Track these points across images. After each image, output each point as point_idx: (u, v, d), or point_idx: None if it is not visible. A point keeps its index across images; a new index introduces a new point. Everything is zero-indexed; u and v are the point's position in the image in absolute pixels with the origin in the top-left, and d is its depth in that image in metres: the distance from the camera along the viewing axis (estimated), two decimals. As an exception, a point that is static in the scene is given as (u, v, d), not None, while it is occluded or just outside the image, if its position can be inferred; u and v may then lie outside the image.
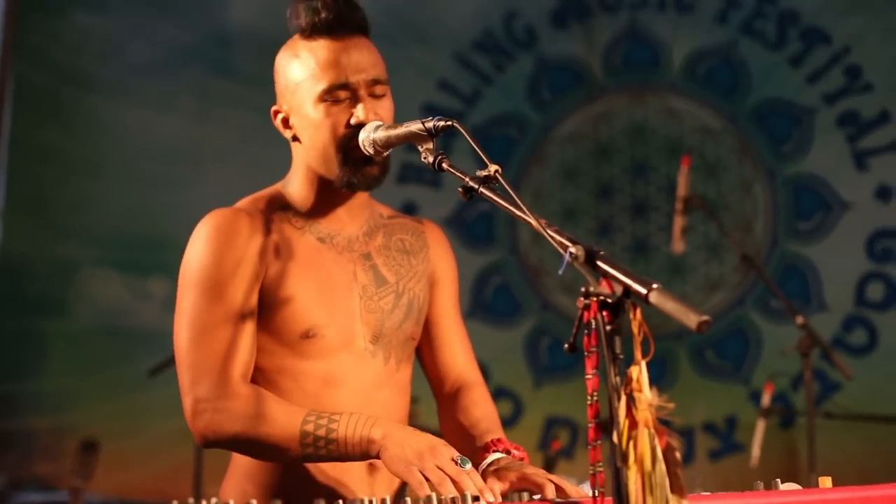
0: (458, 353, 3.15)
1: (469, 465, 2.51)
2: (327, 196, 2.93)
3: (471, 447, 2.87)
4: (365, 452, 2.60)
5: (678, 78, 7.96)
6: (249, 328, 2.80)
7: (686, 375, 7.47)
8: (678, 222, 5.15)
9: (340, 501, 2.05)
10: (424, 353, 3.17)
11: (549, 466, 6.38)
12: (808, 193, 7.71)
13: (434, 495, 2.12)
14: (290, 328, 2.84)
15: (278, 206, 2.94)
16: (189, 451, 6.68)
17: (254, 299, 2.81)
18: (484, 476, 2.66)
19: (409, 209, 7.26)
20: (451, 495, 2.32)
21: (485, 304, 7.71)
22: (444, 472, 2.48)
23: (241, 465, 2.94)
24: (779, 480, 2.46)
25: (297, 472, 2.83)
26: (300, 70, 2.88)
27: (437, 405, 3.17)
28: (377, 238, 3.02)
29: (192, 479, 6.60)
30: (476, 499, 2.19)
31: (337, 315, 2.89)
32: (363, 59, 2.86)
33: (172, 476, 7.48)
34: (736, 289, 7.57)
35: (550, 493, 2.48)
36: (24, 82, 8.54)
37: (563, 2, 8.17)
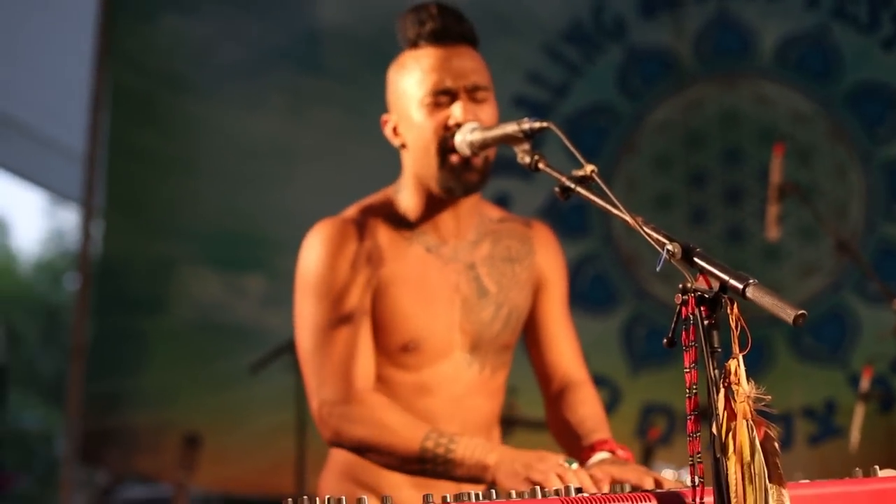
0: (565, 353, 3.19)
1: (575, 465, 2.54)
2: (434, 205, 2.98)
3: (577, 444, 2.91)
4: (478, 476, 2.66)
5: (769, 64, 7.89)
6: (367, 335, 2.88)
7: (784, 360, 7.41)
8: (772, 209, 5.13)
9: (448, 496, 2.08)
10: (532, 353, 3.22)
11: (648, 454, 6.39)
12: (904, 177, 7.63)
13: (538, 488, 2.16)
14: (391, 339, 2.91)
15: (387, 215, 3.00)
16: (290, 446, 6.76)
17: (367, 308, 2.88)
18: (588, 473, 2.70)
19: (501, 201, 7.27)
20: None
21: (580, 293, 7.70)
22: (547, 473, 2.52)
23: (338, 462, 3.02)
24: (877, 467, 2.47)
25: (391, 472, 2.90)
26: (407, 77, 2.96)
27: (544, 403, 3.21)
28: (483, 247, 3.06)
29: (293, 474, 6.68)
30: (579, 490, 2.23)
31: (437, 327, 2.95)
32: (465, 66, 2.92)
33: (274, 470, 7.57)
34: (832, 273, 7.51)
35: (649, 486, 2.50)
36: (120, 86, 8.68)
37: (652, -9, 8.15)
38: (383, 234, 2.95)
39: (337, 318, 2.85)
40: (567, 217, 7.60)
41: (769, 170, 5.21)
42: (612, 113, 7.99)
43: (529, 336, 3.20)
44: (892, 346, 4.73)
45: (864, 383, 5.30)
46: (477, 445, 2.66)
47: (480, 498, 2.09)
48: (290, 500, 1.95)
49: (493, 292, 3.04)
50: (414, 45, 2.97)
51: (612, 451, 2.80)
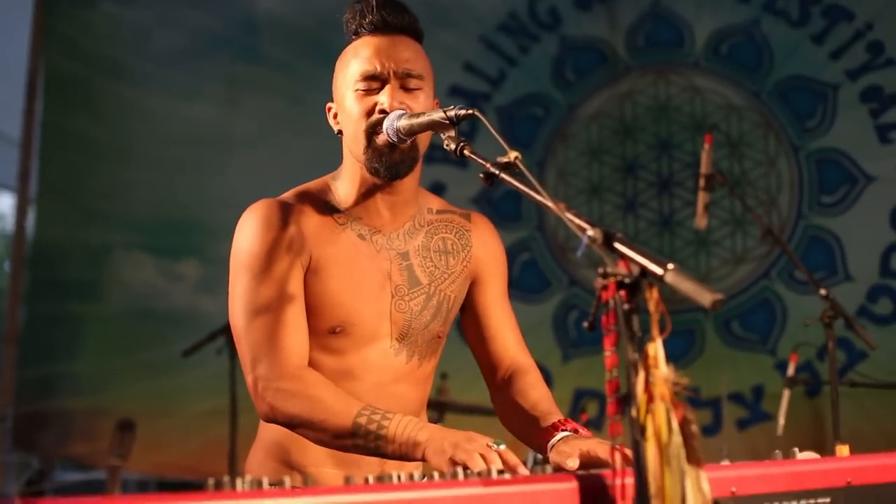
0: (509, 343, 3.21)
1: (503, 446, 2.56)
2: (371, 192, 3.00)
3: (530, 427, 2.95)
4: (409, 453, 2.68)
5: (701, 56, 7.97)
6: (301, 310, 2.91)
7: (713, 347, 7.51)
8: (701, 198, 5.17)
9: (395, 474, 2.11)
10: (475, 344, 3.24)
11: (577, 439, 6.45)
12: (831, 167, 7.70)
13: (459, 469, 2.19)
14: (320, 323, 2.93)
15: (322, 200, 3.03)
16: (223, 430, 6.76)
17: (299, 286, 2.90)
18: (551, 451, 2.76)
19: (436, 189, 7.28)
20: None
21: (513, 280, 7.68)
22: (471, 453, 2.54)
23: (264, 443, 3.06)
24: (797, 449, 2.53)
25: (316, 452, 2.94)
26: (344, 64, 3.00)
27: (490, 393, 3.23)
28: (418, 237, 3.09)
29: (226, 457, 6.68)
30: (501, 471, 2.26)
31: (366, 313, 2.97)
32: (401, 53, 2.95)
33: (207, 454, 7.57)
34: (761, 261, 7.60)
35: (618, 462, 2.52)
36: (55, 71, 8.63)
37: (587, -17, 8.20)
38: (316, 218, 2.97)
39: (269, 295, 2.86)
40: (500, 205, 7.66)
41: (700, 160, 5.26)
42: (546, 103, 8.04)
43: (471, 329, 3.22)
44: (819, 332, 4.80)
45: (791, 369, 5.37)
46: (409, 422, 2.69)
47: (402, 480, 2.11)
48: (211, 480, 1.96)
49: (424, 283, 3.06)
50: (355, 34, 3.01)
51: (575, 430, 2.83)
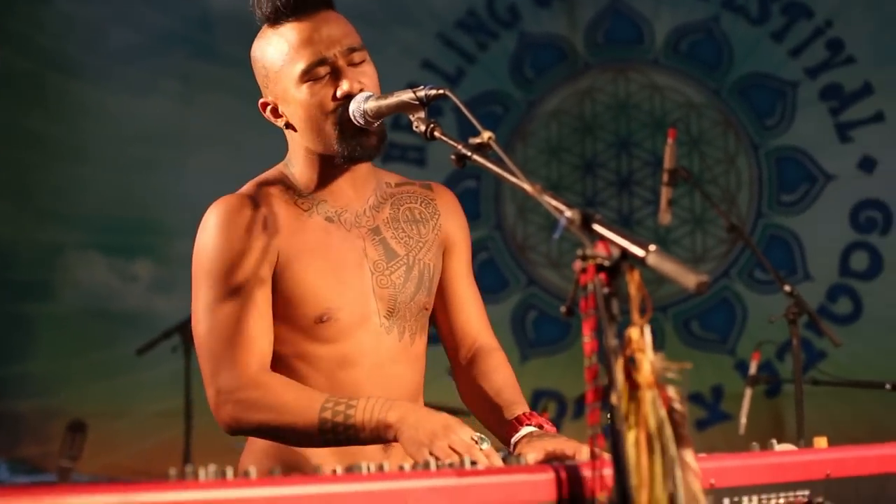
0: (473, 317, 3.14)
1: (487, 445, 2.52)
2: (330, 174, 2.93)
3: (493, 415, 2.91)
4: (381, 437, 2.63)
5: (661, 54, 7.99)
6: (265, 314, 2.83)
7: (672, 346, 7.49)
8: (665, 194, 5.14)
9: (366, 465, 2.05)
10: (440, 317, 3.16)
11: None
12: (791, 165, 7.76)
13: (432, 459, 2.14)
14: (304, 314, 2.86)
15: (283, 189, 2.94)
16: (177, 431, 6.72)
17: (267, 286, 2.83)
18: (517, 448, 2.71)
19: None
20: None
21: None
22: (454, 450, 2.50)
23: (259, 442, 2.97)
24: (774, 441, 2.50)
25: (316, 449, 2.86)
26: (276, 57, 2.88)
27: (453, 370, 3.18)
28: (384, 210, 3.02)
29: (181, 459, 6.64)
30: (474, 462, 2.21)
31: (350, 295, 2.90)
32: (334, 31, 2.85)
33: (161, 455, 7.51)
34: (721, 260, 7.62)
35: (585, 457, 2.45)
36: (8, 68, 8.54)
37: (545, -21, 8.19)
38: (280, 206, 2.89)
39: (229, 300, 2.78)
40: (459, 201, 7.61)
41: (662, 157, 5.24)
42: (505, 100, 8.02)
43: (436, 301, 3.13)
44: (778, 331, 4.80)
45: (753, 367, 5.37)
46: (375, 404, 2.63)
47: (371, 470, 2.04)
48: (172, 470, 1.90)
49: (401, 254, 2.99)
50: (275, 22, 2.89)
51: (540, 426, 2.78)
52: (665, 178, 5.14)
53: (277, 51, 2.87)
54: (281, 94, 2.90)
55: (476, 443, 2.51)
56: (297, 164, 2.97)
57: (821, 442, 2.55)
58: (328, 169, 2.92)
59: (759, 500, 2.33)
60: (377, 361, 2.92)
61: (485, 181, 7.88)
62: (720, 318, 7.58)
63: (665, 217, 5.14)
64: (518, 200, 7.76)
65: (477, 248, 7.80)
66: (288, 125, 2.94)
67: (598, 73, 8.01)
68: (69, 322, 8.46)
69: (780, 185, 7.72)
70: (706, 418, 7.42)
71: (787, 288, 4.78)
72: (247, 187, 2.96)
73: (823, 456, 2.47)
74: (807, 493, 2.38)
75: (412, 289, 2.98)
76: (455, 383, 3.17)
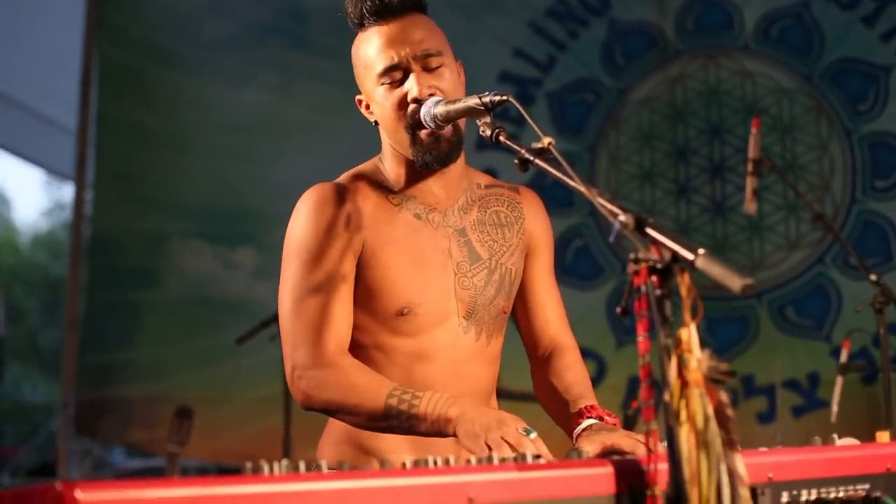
0: (552, 319, 3.21)
1: (534, 435, 2.57)
2: (418, 173, 3.00)
3: (565, 411, 2.95)
4: (442, 430, 2.69)
5: (751, 40, 7.92)
6: (346, 298, 2.91)
7: (767, 333, 7.44)
8: (749, 183, 5.14)
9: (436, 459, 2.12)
10: (520, 317, 3.24)
11: (630, 424, 6.44)
12: (885, 151, 7.64)
13: (495, 455, 2.20)
14: (386, 306, 2.94)
15: (376, 182, 3.03)
16: (279, 417, 6.82)
17: (350, 271, 2.91)
18: (577, 441, 2.76)
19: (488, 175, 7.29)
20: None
21: (566, 266, 7.70)
22: (506, 440, 2.56)
23: (337, 428, 3.06)
24: (836, 435, 2.52)
25: (390, 437, 2.93)
26: (363, 58, 2.98)
27: (531, 369, 3.23)
28: (472, 213, 3.09)
29: (281, 444, 6.74)
30: (537, 456, 2.27)
31: (431, 292, 2.97)
32: (411, 35, 2.93)
33: (263, 440, 7.64)
34: (815, 247, 7.52)
35: (642, 452, 2.50)
36: (109, 61, 8.71)
37: (636, -33, 8.16)
38: (371, 199, 2.98)
39: (315, 282, 2.87)
40: (553, 190, 7.55)
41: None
42: (596, 88, 8.00)
43: (517, 301, 3.21)
44: (873, 319, 4.76)
45: (844, 356, 5.34)
46: (439, 399, 2.70)
47: (439, 464, 2.12)
48: (248, 464, 1.98)
49: (484, 257, 3.06)
50: (361, 25, 2.99)
51: (601, 418, 2.83)
52: (750, 167, 5.13)
53: (364, 52, 2.98)
54: (368, 93, 3.01)
55: (523, 434, 2.57)
56: (388, 160, 3.06)
57: (883, 437, 2.57)
58: (415, 168, 3.00)
59: (819, 494, 2.36)
60: (452, 359, 2.99)
61: (579, 169, 7.86)
62: (815, 304, 7.48)
63: (750, 207, 5.13)
64: (611, 187, 7.73)
65: (571, 235, 7.87)
66: (377, 122, 3.03)
67: (689, 59, 7.96)
68: (174, 309, 8.62)
69: (874, 171, 7.62)
70: (802, 405, 7.34)
71: (873, 277, 4.75)
72: (341, 178, 3.05)
73: (884, 451, 2.48)
74: (867, 486, 2.40)
75: (492, 292, 3.05)
76: (532, 380, 3.23)
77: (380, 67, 2.93)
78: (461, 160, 3.05)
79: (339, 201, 2.95)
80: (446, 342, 3.00)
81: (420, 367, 2.95)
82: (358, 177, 3.05)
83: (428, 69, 2.93)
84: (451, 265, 3.02)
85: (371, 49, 2.96)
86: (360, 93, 3.05)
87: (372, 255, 2.95)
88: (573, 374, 3.09)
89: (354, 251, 2.93)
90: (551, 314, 3.23)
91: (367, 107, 3.04)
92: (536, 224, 3.22)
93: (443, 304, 3.00)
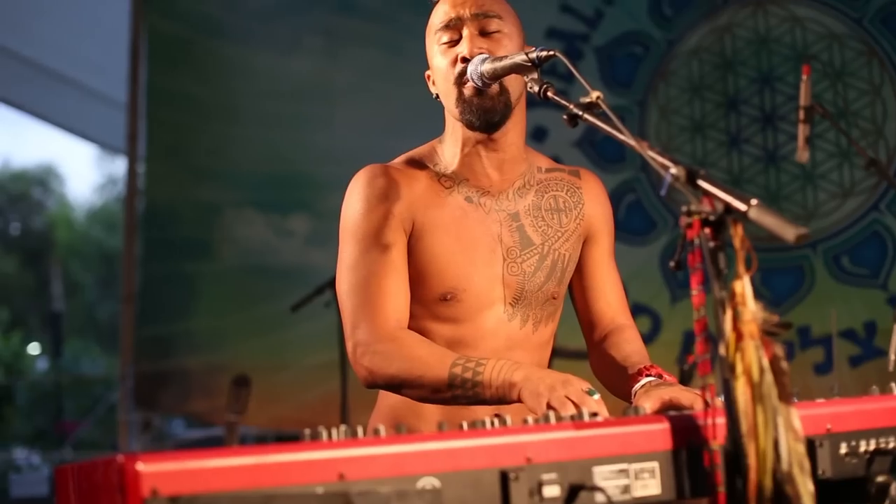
0: (611, 302, 3.19)
1: (597, 396, 2.57)
2: (476, 152, 3.00)
3: (622, 377, 2.94)
4: (506, 395, 2.68)
5: (799, -15, 7.81)
6: (402, 275, 2.92)
7: (823, 283, 7.35)
8: (801, 131, 5.09)
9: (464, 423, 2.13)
10: (578, 300, 3.22)
11: (685, 380, 6.41)
12: (940, 93, 7.52)
13: (552, 413, 2.19)
14: (430, 291, 2.95)
15: (429, 165, 3.04)
16: (335, 383, 6.86)
17: (404, 250, 2.92)
18: (635, 398, 2.76)
19: (538, 134, 7.28)
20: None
21: (619, 222, 7.56)
22: (569, 399, 2.56)
23: (381, 410, 3.08)
24: (894, 384, 2.50)
25: (431, 418, 2.96)
26: (430, 26, 3.02)
27: (588, 348, 3.22)
28: (528, 196, 3.07)
29: (339, 410, 6.78)
30: (594, 414, 2.27)
31: (477, 278, 2.97)
32: None
33: (321, 407, 7.67)
34: (870, 194, 7.40)
35: (700, 406, 2.46)
36: (156, 33, 8.76)
37: (680, -82, 8.04)
38: (421, 181, 2.98)
39: (370, 261, 2.89)
40: (603, 146, 7.55)
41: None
42: (645, 41, 7.91)
43: (576, 285, 3.20)
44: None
45: (901, 304, 5.29)
46: (504, 365, 2.69)
47: (496, 425, 2.12)
48: (307, 430, 2.00)
49: (537, 243, 3.04)
50: None
51: (660, 375, 2.83)
52: (801, 115, 5.08)
53: (431, 20, 3.01)
54: (431, 61, 3.03)
55: (585, 394, 2.57)
56: (447, 140, 3.06)
57: (946, 386, 2.53)
58: (473, 146, 2.99)
59: (878, 444, 2.34)
60: (494, 347, 2.99)
61: (629, 123, 7.79)
62: (871, 252, 7.36)
63: (803, 155, 5.08)
64: (662, 140, 7.67)
65: (624, 189, 7.83)
66: (437, 95, 3.04)
67: (737, 8, 7.82)
68: (228, 279, 8.68)
69: (929, 114, 7.49)
70: (860, 355, 7.25)
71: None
72: (394, 161, 3.06)
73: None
74: (926, 435, 2.38)
75: (542, 278, 3.03)
76: (589, 360, 3.22)
77: (438, 26, 2.96)
78: (519, 139, 3.04)
79: (388, 182, 2.96)
80: (489, 329, 3.01)
81: (460, 353, 2.93)
82: (410, 160, 3.07)
83: (484, 33, 2.94)
84: (501, 250, 3.01)
85: (437, 14, 2.99)
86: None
87: (419, 239, 2.96)
88: (631, 346, 3.08)
89: (405, 232, 2.95)
90: (611, 299, 3.21)
91: (433, 81, 3.04)
92: (596, 209, 3.20)
93: (488, 291, 3.00)
